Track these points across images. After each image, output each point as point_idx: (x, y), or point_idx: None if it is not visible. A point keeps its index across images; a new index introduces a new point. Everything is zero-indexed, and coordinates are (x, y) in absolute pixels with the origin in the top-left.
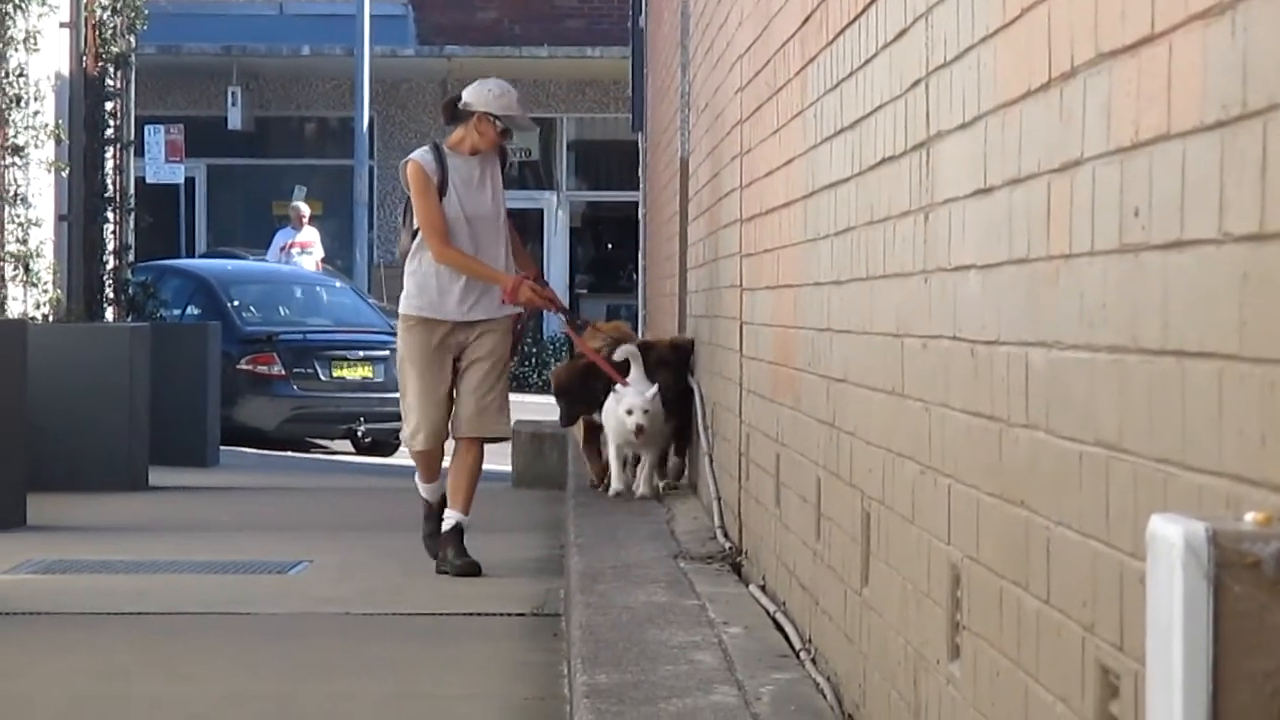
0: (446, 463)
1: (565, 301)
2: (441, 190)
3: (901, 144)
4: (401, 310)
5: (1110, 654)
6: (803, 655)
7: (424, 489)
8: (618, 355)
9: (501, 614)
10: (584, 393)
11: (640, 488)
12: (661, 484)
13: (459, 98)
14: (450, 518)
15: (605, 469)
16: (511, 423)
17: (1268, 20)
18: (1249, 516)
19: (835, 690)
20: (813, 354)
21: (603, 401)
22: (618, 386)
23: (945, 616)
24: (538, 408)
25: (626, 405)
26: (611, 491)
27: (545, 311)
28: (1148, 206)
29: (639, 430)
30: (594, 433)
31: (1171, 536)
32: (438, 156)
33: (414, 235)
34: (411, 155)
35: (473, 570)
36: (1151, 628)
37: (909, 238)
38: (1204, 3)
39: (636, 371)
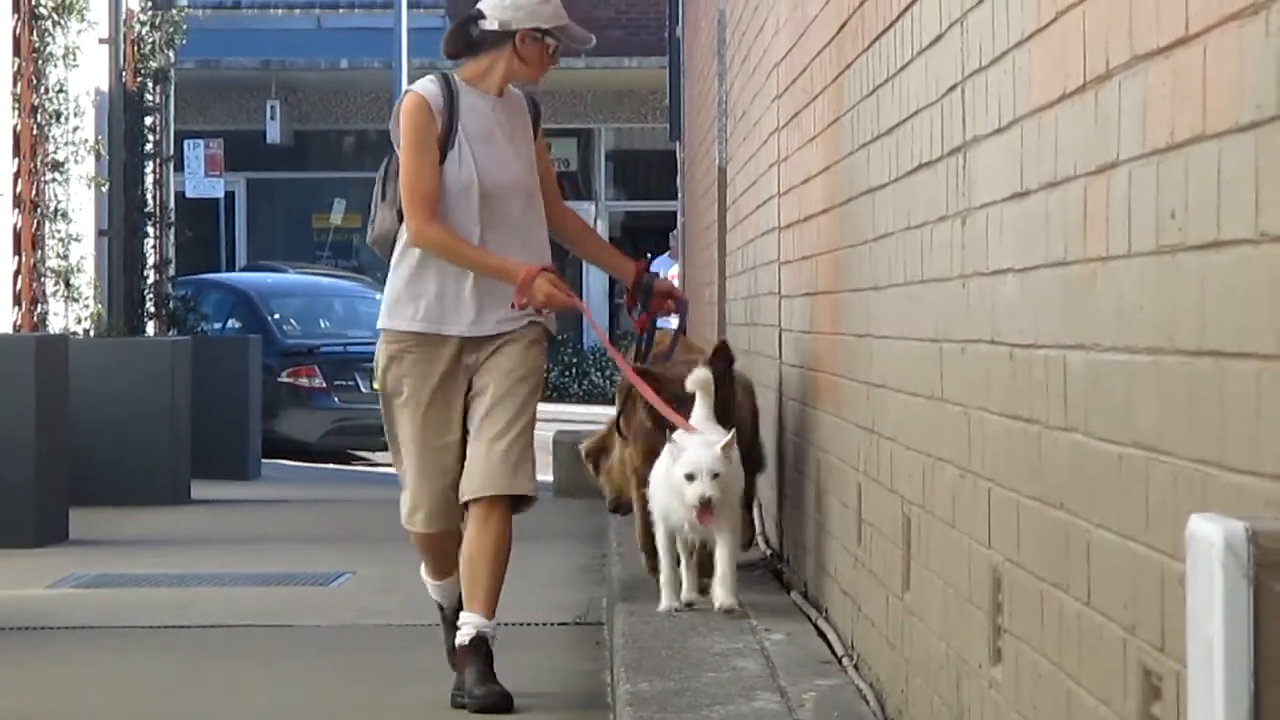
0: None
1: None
2: (446, 142)
3: (938, 149)
4: (382, 324)
5: (1152, 655)
6: (845, 661)
7: (434, 588)
8: (689, 384)
9: (544, 623)
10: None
11: (722, 595)
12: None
13: (474, 18)
14: (467, 625)
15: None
16: (536, 480)
17: None
18: None
19: (878, 696)
20: (852, 360)
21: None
22: (674, 436)
23: (987, 620)
24: (579, 418)
25: (686, 467)
26: (662, 606)
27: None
28: (1184, 208)
29: (706, 506)
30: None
31: (1211, 536)
32: (447, 91)
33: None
34: (411, 86)
35: (503, 704)
36: (1192, 628)
37: (946, 242)
38: (1238, 3)
39: (703, 409)
